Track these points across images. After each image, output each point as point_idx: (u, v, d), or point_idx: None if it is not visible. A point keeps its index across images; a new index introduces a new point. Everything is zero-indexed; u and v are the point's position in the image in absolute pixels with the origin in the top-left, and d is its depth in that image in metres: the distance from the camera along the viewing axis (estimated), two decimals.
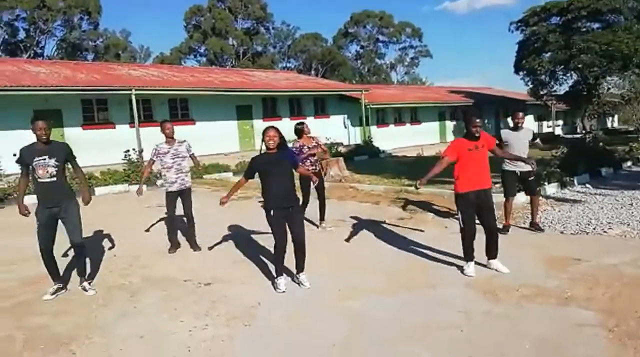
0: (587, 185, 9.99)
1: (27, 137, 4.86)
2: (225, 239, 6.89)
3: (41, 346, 3.68)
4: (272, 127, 4.75)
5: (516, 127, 6.57)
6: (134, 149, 14.86)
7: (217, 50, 48.92)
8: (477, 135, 4.87)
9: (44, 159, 4.55)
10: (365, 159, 19.16)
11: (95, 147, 15.19)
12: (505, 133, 6.53)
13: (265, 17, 52.97)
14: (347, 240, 6.53)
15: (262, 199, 4.80)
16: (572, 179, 10.05)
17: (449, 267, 5.14)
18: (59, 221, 4.68)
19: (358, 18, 57.60)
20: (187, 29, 51.88)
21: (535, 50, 25.40)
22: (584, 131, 25.90)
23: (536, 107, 33.94)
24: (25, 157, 4.56)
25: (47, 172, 4.56)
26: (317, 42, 57.29)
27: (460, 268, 4.98)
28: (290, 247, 4.68)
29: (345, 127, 25.11)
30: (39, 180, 4.57)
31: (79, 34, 44.34)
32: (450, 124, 31.14)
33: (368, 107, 23.62)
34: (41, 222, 4.61)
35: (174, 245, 6.35)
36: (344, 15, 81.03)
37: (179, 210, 6.36)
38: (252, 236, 6.97)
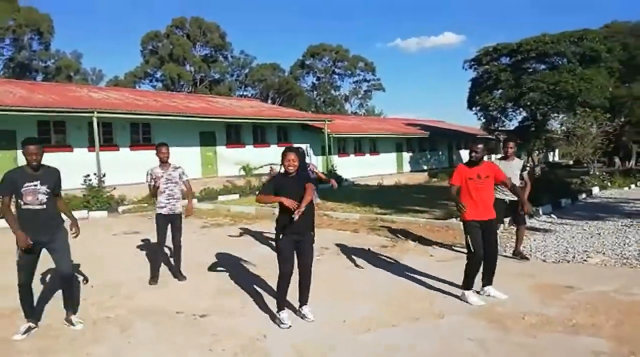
0: (552, 215, 10.42)
1: None
2: (208, 268, 6.62)
3: None
4: (291, 149, 4.52)
5: (506, 157, 6.77)
6: (94, 174, 14.26)
7: (174, 76, 48.29)
8: (473, 159, 4.96)
9: (35, 185, 4.21)
10: (329, 186, 19.16)
11: None
12: (496, 163, 6.68)
13: (223, 45, 53.05)
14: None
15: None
16: (537, 209, 10.46)
17: (448, 295, 5.12)
18: (42, 251, 4.32)
19: (315, 50, 58.77)
20: (143, 54, 51.05)
21: (488, 88, 26.76)
22: (531, 164, 27.18)
23: (487, 142, 35.54)
24: (12, 184, 4.16)
25: (37, 199, 4.22)
26: (275, 72, 57.83)
27: (458, 296, 4.99)
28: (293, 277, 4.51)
29: (308, 155, 25.17)
30: (26, 207, 4.19)
31: (28, 54, 42.65)
32: (407, 156, 31.92)
33: (331, 136, 23.86)
34: (25, 256, 4.19)
35: (156, 276, 6.00)
36: (301, 47, 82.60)
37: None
38: (237, 264, 6.74)
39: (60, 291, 4.64)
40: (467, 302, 4.83)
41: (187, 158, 19.10)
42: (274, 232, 4.54)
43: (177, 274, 6.08)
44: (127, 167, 16.82)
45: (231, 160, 20.67)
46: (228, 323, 4.49)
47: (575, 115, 18.87)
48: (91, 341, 4.15)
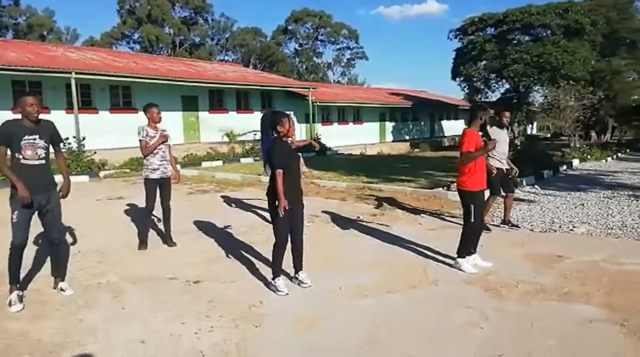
0: (535, 186, 10.55)
1: None
2: (197, 234, 6.52)
3: (25, 356, 3.22)
4: (287, 115, 4.41)
5: (501, 126, 6.77)
6: (74, 137, 13.84)
7: (152, 38, 46.81)
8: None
9: (34, 139, 4.00)
10: (313, 156, 19.05)
11: None
12: (494, 131, 6.64)
13: (204, 7, 51.48)
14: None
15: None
16: (521, 180, 10.57)
17: (440, 263, 5.16)
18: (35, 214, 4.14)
19: (298, 15, 57.46)
20: (120, 14, 49.26)
21: (472, 58, 26.64)
22: (511, 136, 27.46)
23: (468, 113, 35.66)
24: (10, 135, 3.92)
25: (37, 154, 4.02)
26: (256, 37, 56.49)
27: (450, 264, 5.02)
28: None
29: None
30: (25, 161, 3.97)
31: None
32: (389, 125, 31.88)
33: (315, 104, 23.57)
34: (23, 215, 4.00)
35: (145, 242, 5.87)
36: (283, 12, 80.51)
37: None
38: (226, 231, 6.66)
39: (46, 256, 4.49)
40: (460, 270, 4.86)
41: (168, 123, 18.63)
42: (264, 199, 4.45)
43: (168, 239, 5.97)
44: (106, 131, 16.41)
45: (214, 126, 20.30)
46: (223, 290, 4.43)
47: (558, 88, 18.95)
48: (83, 306, 4.04)
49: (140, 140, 5.69)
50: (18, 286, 4.13)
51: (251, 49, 54.05)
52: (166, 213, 5.92)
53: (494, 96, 29.17)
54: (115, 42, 48.01)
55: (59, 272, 4.40)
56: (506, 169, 6.63)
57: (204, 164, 16.05)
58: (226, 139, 19.90)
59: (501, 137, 6.53)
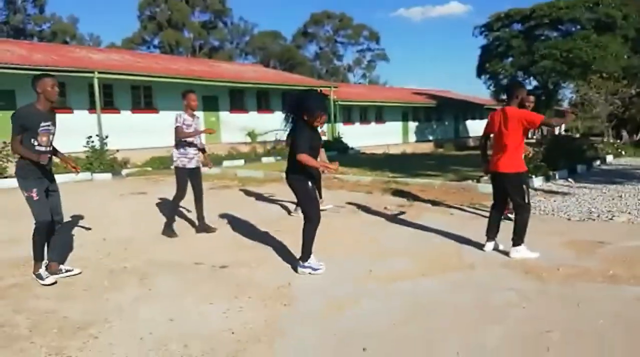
0: (569, 179, 10.19)
1: None
2: (221, 224, 6.42)
3: (54, 331, 3.14)
4: (325, 106, 4.31)
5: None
6: (97, 136, 13.96)
7: (172, 43, 47.43)
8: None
9: (48, 126, 4.02)
10: (335, 154, 18.92)
11: None
12: None
13: (223, 11, 51.97)
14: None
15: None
16: (554, 173, 10.24)
17: (477, 249, 4.93)
18: None
19: (318, 18, 57.54)
20: (140, 19, 50.05)
21: (498, 55, 26.17)
22: (540, 135, 26.85)
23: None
24: (29, 121, 3.91)
25: (49, 140, 4.06)
26: (276, 40, 56.77)
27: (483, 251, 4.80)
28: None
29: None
30: (39, 148, 3.98)
31: (23, 18, 41.70)
32: (412, 125, 31.52)
33: (336, 103, 23.44)
34: (41, 193, 4.01)
35: (173, 230, 5.79)
36: (303, 15, 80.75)
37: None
38: (250, 222, 6.53)
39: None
40: (524, 257, 4.55)
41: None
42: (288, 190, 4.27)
43: (205, 225, 5.90)
44: (128, 131, 16.51)
45: (235, 126, 20.31)
46: (250, 273, 4.31)
47: (590, 84, 18.36)
48: (109, 288, 3.96)
49: (177, 127, 5.63)
50: (41, 263, 4.12)
51: (271, 52, 54.28)
52: (200, 200, 5.86)
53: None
54: (136, 47, 48.74)
55: (56, 254, 4.29)
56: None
57: (225, 163, 16.02)
58: (247, 139, 19.89)
59: None
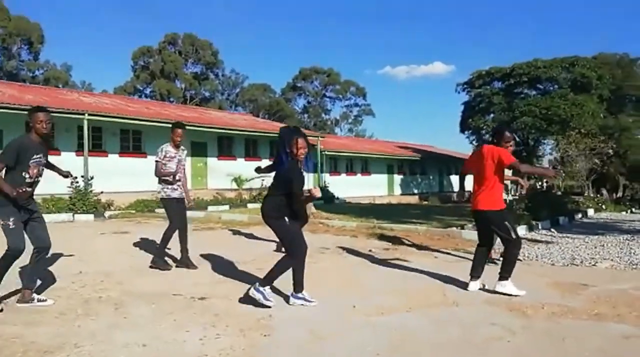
0: (552, 230, 10.28)
1: None
2: (203, 262, 6.29)
3: (17, 355, 2.97)
4: (302, 133, 4.25)
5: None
6: (82, 176, 13.83)
7: (164, 92, 48.14)
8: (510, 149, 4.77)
9: (40, 158, 3.99)
10: (321, 203, 18.93)
11: None
12: None
13: (215, 63, 53.22)
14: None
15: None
16: (537, 223, 10.34)
17: (461, 289, 4.87)
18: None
19: (306, 73, 59.20)
20: (134, 69, 50.94)
21: (480, 111, 27.04)
22: (521, 191, 27.24)
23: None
24: (23, 153, 3.86)
25: (38, 172, 4.02)
26: (265, 92, 58.02)
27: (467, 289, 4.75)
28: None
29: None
30: (24, 178, 3.91)
31: (16, 64, 42.25)
32: (397, 178, 31.87)
33: (323, 153, 23.72)
34: (17, 221, 3.88)
35: (165, 261, 5.72)
36: (292, 70, 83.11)
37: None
38: (232, 260, 6.41)
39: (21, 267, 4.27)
40: (511, 294, 4.51)
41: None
42: (274, 217, 4.17)
43: (187, 261, 5.78)
44: (115, 174, 16.38)
45: (222, 172, 20.33)
46: (230, 305, 4.18)
47: (569, 138, 18.95)
48: (82, 315, 3.80)
49: (157, 162, 5.65)
50: None
51: (260, 105, 55.34)
52: (185, 232, 5.79)
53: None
54: (128, 96, 49.37)
55: (32, 282, 4.13)
56: (508, 200, 6.46)
57: (210, 208, 15.89)
58: (234, 185, 19.85)
59: None
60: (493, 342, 3.32)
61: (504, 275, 4.60)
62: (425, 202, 27.70)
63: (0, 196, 3.86)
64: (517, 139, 27.36)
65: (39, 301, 4.07)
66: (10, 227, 3.85)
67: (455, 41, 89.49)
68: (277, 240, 6.79)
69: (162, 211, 13.90)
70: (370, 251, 7.28)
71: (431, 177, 35.51)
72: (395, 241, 8.30)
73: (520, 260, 6.53)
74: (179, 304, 4.21)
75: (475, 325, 3.70)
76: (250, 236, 8.81)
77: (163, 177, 5.65)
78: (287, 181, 4.08)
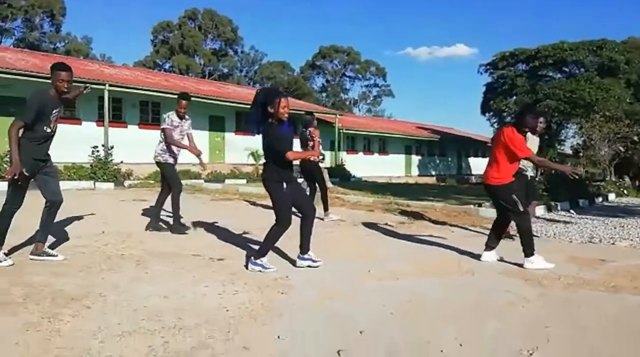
0: (571, 211, 10.16)
1: None
2: (221, 226, 6.40)
3: (47, 300, 3.09)
4: (285, 94, 4.21)
5: (535, 131, 6.52)
6: (102, 146, 14.06)
7: (183, 68, 48.21)
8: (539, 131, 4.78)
9: (58, 111, 4.08)
10: (337, 181, 18.96)
11: (60, 142, 14.14)
12: (527, 136, 6.41)
13: (235, 39, 53.04)
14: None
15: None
16: (555, 204, 10.22)
17: (476, 259, 4.88)
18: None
19: (326, 51, 58.61)
20: (153, 44, 51.06)
21: (503, 93, 26.54)
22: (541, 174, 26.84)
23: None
24: (44, 106, 3.92)
25: (56, 125, 4.11)
26: (284, 70, 57.71)
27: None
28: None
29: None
30: (46, 131, 4.01)
31: (38, 35, 42.63)
32: (415, 159, 31.68)
33: (340, 131, 23.65)
34: (23, 178, 3.91)
35: (183, 224, 5.87)
36: (310, 50, 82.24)
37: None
38: (251, 226, 6.50)
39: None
40: (537, 268, 4.47)
41: (195, 142, 18.92)
42: (273, 181, 4.14)
43: (177, 222, 5.87)
44: (134, 145, 16.57)
45: (240, 147, 20.44)
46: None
47: (592, 121, 18.52)
48: (106, 270, 3.93)
49: (164, 128, 5.75)
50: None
51: (278, 82, 55.08)
52: (178, 197, 5.89)
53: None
54: (147, 70, 49.57)
55: (45, 236, 4.22)
56: (530, 176, 6.37)
57: (228, 181, 16.07)
58: (251, 160, 19.96)
59: (533, 143, 6.31)
60: (507, 307, 3.34)
61: (527, 251, 4.60)
62: (443, 183, 27.57)
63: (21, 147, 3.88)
64: (546, 122, 26.93)
65: (48, 255, 4.15)
66: (11, 184, 3.92)
67: (480, 24, 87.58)
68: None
69: (183, 182, 14.25)
70: (386, 224, 7.30)
71: (449, 159, 35.21)
72: (412, 215, 8.31)
73: (538, 236, 6.53)
74: (198, 263, 4.31)
75: (489, 292, 3.73)
76: (266, 207, 8.87)
77: (174, 144, 5.72)
78: (268, 148, 4.07)
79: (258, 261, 4.08)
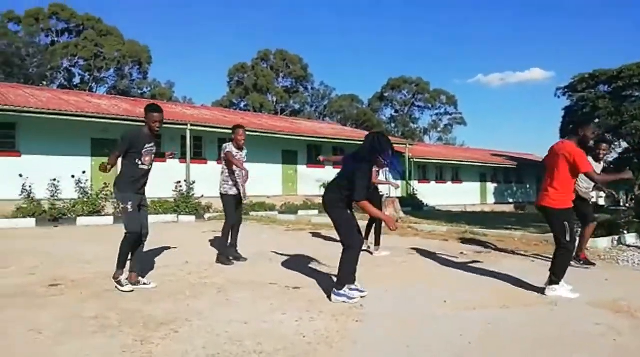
0: None
1: (84, 163, 4.66)
2: (298, 256, 6.56)
3: (140, 324, 3.36)
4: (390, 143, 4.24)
5: (597, 159, 6.21)
6: (185, 181, 14.96)
7: (257, 105, 50.43)
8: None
9: (152, 147, 4.47)
10: (409, 210, 18.72)
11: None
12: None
13: (305, 76, 54.81)
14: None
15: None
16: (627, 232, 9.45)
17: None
18: None
19: (395, 83, 58.90)
20: (229, 85, 53.99)
21: (584, 116, 25.14)
22: (630, 201, 24.85)
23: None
24: (135, 142, 4.37)
25: (152, 160, 4.50)
26: (353, 103, 58.56)
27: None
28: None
29: (387, 178, 24.91)
30: (141, 166, 4.42)
31: (128, 83, 46.57)
32: (491, 186, 30.59)
33: (411, 160, 23.47)
34: (135, 206, 4.39)
35: (228, 257, 5.99)
36: (379, 82, 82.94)
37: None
38: (323, 256, 6.61)
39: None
40: (564, 295, 4.30)
41: (269, 175, 19.61)
42: (335, 207, 4.27)
43: (236, 253, 6.10)
44: (214, 180, 17.46)
45: (311, 178, 20.89)
46: (322, 295, 4.35)
47: None
48: (190, 297, 4.18)
49: (227, 152, 5.93)
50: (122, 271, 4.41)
51: (348, 116, 55.91)
52: (239, 226, 6.21)
53: (610, 157, 27.07)
54: (225, 109, 52.27)
55: (137, 267, 4.57)
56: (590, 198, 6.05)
57: (301, 213, 16.40)
58: (323, 190, 20.31)
59: (597, 170, 5.98)
60: (596, 339, 3.16)
61: (554, 279, 4.40)
62: (521, 211, 26.29)
63: (123, 183, 4.37)
64: (614, 145, 25.18)
65: (144, 284, 4.50)
66: (129, 210, 4.33)
67: (555, 46, 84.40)
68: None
69: (257, 213, 14.76)
70: (461, 253, 7.13)
71: (528, 186, 33.63)
72: (489, 245, 8.04)
73: (628, 266, 6.10)
74: (275, 291, 4.46)
75: (575, 324, 3.54)
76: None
77: (235, 164, 5.82)
78: (350, 181, 4.07)
79: (341, 292, 4.09)
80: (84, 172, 13.20)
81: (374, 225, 7.15)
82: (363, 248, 6.93)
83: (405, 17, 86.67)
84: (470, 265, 6.15)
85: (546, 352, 2.91)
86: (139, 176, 4.44)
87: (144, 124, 4.53)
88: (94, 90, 44.32)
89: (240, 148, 6.12)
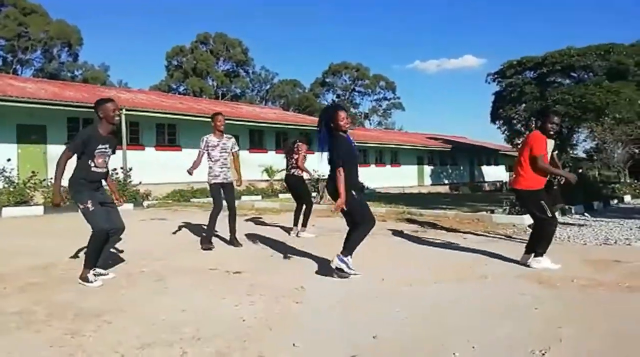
0: (585, 214, 10.08)
1: (9, 150, 4.33)
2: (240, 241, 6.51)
3: (70, 317, 3.22)
4: (341, 107, 4.49)
5: (547, 133, 6.53)
6: (121, 168, 14.36)
7: (196, 90, 49.06)
8: (551, 132, 4.82)
9: (106, 148, 4.19)
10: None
11: None
12: None
13: (245, 61, 53.86)
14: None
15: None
16: (569, 207, 10.14)
17: (490, 264, 4.92)
18: None
19: (336, 68, 59.18)
20: (168, 68, 52.11)
21: (512, 101, 26.49)
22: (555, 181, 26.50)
23: (508, 158, 35.05)
24: (88, 142, 4.06)
25: (105, 161, 4.22)
26: (295, 88, 58.38)
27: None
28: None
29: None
30: (94, 169, 4.12)
31: (57, 65, 43.82)
32: (428, 169, 31.64)
33: None
34: (95, 203, 4.08)
35: (210, 240, 5.95)
36: (320, 67, 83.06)
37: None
38: (266, 241, 6.62)
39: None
40: (548, 267, 4.61)
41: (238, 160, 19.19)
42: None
43: (233, 240, 6.07)
44: (152, 167, 16.93)
45: (254, 163, 20.68)
46: (264, 278, 4.35)
47: (603, 125, 18.38)
48: (126, 286, 4.05)
49: (198, 151, 5.96)
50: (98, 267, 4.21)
51: (290, 101, 55.70)
52: (232, 213, 6.06)
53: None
54: (163, 93, 50.46)
55: (101, 262, 4.32)
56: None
57: (244, 198, 16.22)
58: (265, 176, 20.18)
59: (549, 145, 6.31)
60: (521, 309, 3.37)
61: (539, 251, 4.69)
62: (456, 192, 27.46)
63: (76, 182, 4.08)
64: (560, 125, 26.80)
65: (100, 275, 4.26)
66: (90, 209, 4.04)
67: (487, 34, 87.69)
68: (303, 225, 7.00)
69: (197, 200, 14.46)
70: (401, 231, 7.36)
71: (462, 168, 35.08)
72: (425, 224, 8.34)
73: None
74: (215, 277, 4.42)
75: (503, 295, 3.76)
76: (282, 222, 9.00)
77: (195, 167, 5.92)
78: (339, 158, 4.18)
79: (345, 259, 4.20)
80: (9, 160, 12.34)
81: (303, 210, 7.16)
82: (292, 234, 7.05)
83: (346, 4, 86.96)
84: (407, 243, 6.37)
85: (474, 324, 3.07)
86: (91, 179, 4.15)
87: (100, 118, 4.15)
88: (19, 73, 41.36)
89: (221, 133, 6.05)
